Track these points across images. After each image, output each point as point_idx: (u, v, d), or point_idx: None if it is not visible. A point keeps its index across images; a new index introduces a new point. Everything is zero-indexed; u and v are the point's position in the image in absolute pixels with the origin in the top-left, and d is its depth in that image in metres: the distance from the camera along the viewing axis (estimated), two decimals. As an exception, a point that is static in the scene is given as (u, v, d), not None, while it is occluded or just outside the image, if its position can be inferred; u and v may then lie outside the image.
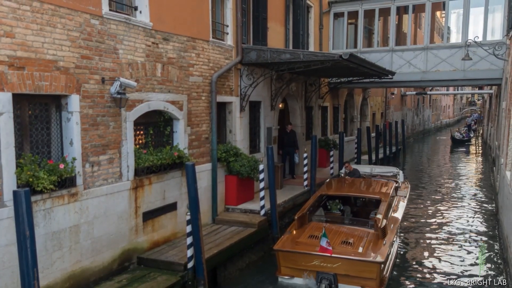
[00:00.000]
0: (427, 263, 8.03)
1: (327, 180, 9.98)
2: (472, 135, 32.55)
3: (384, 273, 6.53)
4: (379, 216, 7.25)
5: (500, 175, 10.35)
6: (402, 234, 9.51)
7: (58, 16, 5.25)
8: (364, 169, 11.57)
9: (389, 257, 6.82)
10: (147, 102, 6.71)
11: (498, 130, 13.71)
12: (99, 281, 5.86)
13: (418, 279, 7.33)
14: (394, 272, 7.42)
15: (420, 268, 7.78)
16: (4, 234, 4.68)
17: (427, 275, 7.47)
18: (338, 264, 6.33)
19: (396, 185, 9.73)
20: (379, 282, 6.29)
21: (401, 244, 8.93)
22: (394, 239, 7.30)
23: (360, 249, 6.47)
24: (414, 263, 8.06)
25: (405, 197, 9.56)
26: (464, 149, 27.12)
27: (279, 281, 6.82)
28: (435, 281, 7.24)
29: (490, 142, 21.13)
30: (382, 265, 6.28)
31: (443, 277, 7.38)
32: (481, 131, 34.58)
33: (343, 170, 11.83)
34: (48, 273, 5.20)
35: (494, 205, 12.15)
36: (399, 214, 8.33)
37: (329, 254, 6.28)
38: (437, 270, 7.68)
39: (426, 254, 8.51)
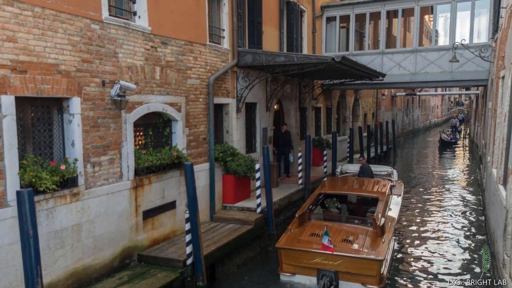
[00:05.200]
0: (422, 259, 8.24)
1: (324, 179, 10.11)
2: (458, 137, 32.79)
3: (384, 270, 6.67)
4: (378, 215, 7.40)
5: (487, 172, 10.64)
6: (397, 231, 9.74)
7: (59, 21, 5.36)
8: (358, 168, 11.77)
9: (388, 254, 6.97)
10: (146, 104, 6.84)
11: (485, 129, 14.03)
12: (100, 278, 5.98)
13: (414, 275, 7.51)
14: (392, 269, 7.59)
15: (416, 264, 7.98)
16: (8, 233, 4.78)
17: (423, 271, 7.66)
18: (339, 261, 6.44)
19: (391, 183, 9.93)
20: (379, 279, 6.41)
21: (397, 240, 9.14)
22: (392, 236, 7.46)
23: (360, 247, 6.60)
24: (410, 259, 8.26)
25: (400, 195, 9.77)
26: (452, 149, 27.57)
27: (281, 278, 6.95)
28: (431, 276, 7.43)
29: (477, 141, 21.54)
30: (382, 262, 6.43)
31: (437, 272, 7.58)
32: (468, 131, 35.03)
33: (338, 169, 12.04)
34: (51, 271, 5.31)
35: (481, 201, 12.49)
36: (395, 212, 8.48)
37: (330, 252, 6.43)
38: (432, 266, 7.89)
39: (420, 250, 8.73)
